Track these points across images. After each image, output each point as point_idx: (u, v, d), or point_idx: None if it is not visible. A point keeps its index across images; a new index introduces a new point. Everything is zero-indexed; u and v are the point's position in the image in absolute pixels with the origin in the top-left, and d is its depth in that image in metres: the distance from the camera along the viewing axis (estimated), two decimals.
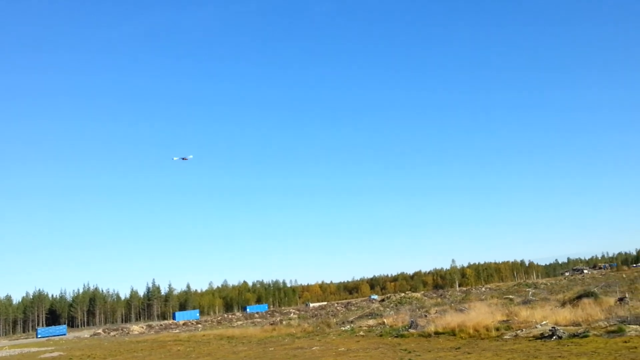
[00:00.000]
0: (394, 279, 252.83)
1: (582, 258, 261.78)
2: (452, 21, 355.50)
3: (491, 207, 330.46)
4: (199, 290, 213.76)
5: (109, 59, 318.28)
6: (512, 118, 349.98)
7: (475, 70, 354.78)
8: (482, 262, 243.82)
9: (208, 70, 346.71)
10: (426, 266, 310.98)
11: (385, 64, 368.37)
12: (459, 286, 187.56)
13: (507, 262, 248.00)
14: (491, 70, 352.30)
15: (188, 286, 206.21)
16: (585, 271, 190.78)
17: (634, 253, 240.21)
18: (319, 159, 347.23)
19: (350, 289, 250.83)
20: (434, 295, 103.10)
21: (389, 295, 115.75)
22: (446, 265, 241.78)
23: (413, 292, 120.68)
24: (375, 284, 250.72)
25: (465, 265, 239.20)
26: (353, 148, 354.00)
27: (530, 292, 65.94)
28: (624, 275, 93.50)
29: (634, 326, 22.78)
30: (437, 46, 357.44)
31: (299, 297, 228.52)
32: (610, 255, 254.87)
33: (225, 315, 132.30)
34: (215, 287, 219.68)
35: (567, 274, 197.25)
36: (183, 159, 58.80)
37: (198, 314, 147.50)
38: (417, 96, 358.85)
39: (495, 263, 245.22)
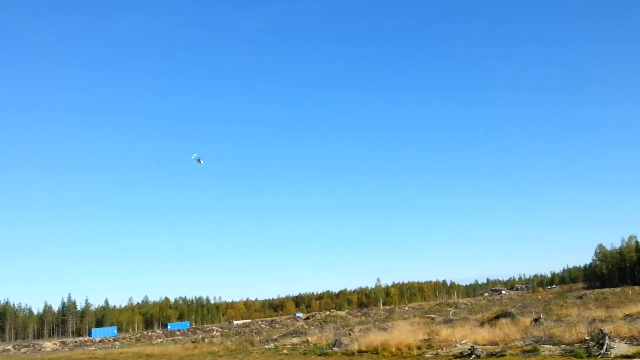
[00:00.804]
0: (320, 297, 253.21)
1: (501, 279, 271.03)
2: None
3: (415, 227, 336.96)
4: (117, 306, 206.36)
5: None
6: (435, 135, 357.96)
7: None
8: (406, 282, 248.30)
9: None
10: (351, 285, 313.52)
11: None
12: (383, 305, 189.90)
13: (430, 281, 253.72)
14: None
15: (106, 302, 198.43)
16: (503, 292, 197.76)
17: (549, 275, 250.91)
18: (242, 175, 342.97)
19: (276, 306, 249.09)
20: (359, 313, 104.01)
21: (314, 313, 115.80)
22: (371, 284, 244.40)
23: (338, 310, 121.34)
24: (301, 301, 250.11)
25: (390, 284, 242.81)
26: (277, 164, 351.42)
27: (451, 312, 67.58)
28: (539, 297, 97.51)
29: (548, 346, 23.70)
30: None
31: (223, 315, 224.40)
32: (527, 277, 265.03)
33: (145, 333, 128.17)
34: (135, 303, 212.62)
35: (486, 294, 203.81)
36: (199, 160, 57.69)
37: (116, 331, 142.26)
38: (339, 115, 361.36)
39: (418, 283, 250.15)
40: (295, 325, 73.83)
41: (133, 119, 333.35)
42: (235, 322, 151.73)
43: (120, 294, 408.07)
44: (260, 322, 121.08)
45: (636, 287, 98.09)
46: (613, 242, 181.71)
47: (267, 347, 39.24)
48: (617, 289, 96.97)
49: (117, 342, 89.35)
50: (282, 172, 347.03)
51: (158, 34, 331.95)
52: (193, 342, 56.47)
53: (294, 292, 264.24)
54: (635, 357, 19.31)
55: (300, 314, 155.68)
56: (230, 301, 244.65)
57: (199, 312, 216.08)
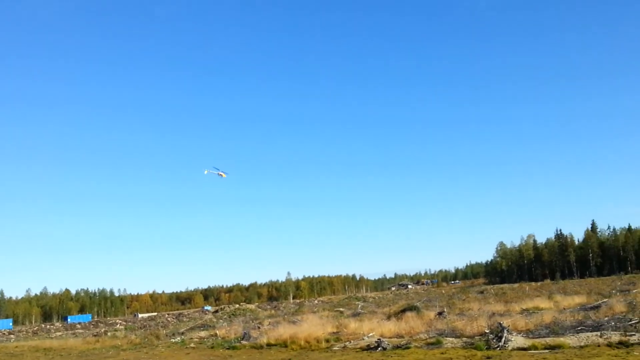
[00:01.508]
0: (229, 290, 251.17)
1: (408, 274, 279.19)
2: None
3: (326, 221, 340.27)
4: (14, 298, 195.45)
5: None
6: (344, 133, 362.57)
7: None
8: (316, 276, 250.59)
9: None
10: (262, 278, 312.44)
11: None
12: (293, 298, 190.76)
13: (340, 276, 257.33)
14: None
15: (1, 292, 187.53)
16: (410, 286, 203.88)
17: (453, 271, 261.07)
18: (148, 165, 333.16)
19: (183, 299, 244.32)
20: (269, 307, 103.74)
21: (223, 306, 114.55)
22: (282, 278, 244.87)
23: (248, 303, 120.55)
24: (210, 295, 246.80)
25: (300, 278, 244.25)
26: (185, 155, 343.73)
27: (359, 305, 68.77)
28: (443, 291, 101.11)
29: (450, 339, 24.50)
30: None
31: (128, 308, 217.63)
32: (433, 272, 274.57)
33: (43, 326, 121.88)
34: (33, 294, 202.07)
35: (393, 288, 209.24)
36: (219, 174, 54.85)
37: (11, 324, 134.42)
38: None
39: (328, 277, 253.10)
40: (203, 318, 72.55)
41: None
42: (140, 316, 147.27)
43: (16, 285, 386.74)
44: (166, 316, 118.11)
45: (532, 283, 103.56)
46: (513, 240, 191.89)
47: (173, 340, 38.28)
48: (516, 285, 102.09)
49: (12, 336, 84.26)
50: (192, 163, 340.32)
51: (151, 28, 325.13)
52: (95, 335, 54.13)
53: (203, 285, 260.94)
54: (530, 349, 20.30)
55: (208, 307, 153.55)
56: (135, 294, 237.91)
57: (102, 305, 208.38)
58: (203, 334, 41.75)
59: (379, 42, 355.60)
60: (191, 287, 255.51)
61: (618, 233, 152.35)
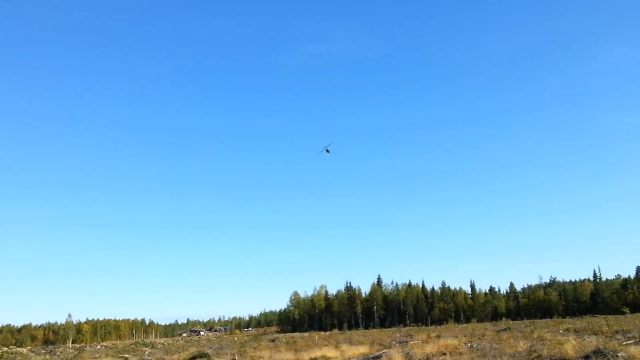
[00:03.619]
0: None
1: (201, 320, 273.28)
2: None
3: (113, 260, 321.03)
4: None
5: None
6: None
7: None
8: (101, 319, 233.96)
9: None
10: (38, 319, 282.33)
11: None
12: (73, 343, 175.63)
13: (128, 319, 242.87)
14: None
15: None
16: (202, 333, 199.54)
17: (247, 318, 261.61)
18: None
19: None
20: (43, 351, 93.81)
21: None
22: (61, 320, 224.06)
23: (19, 347, 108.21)
24: None
25: (83, 320, 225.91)
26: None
27: (146, 352, 65.24)
28: (235, 339, 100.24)
29: None
30: None
31: None
32: (227, 319, 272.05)
33: None
34: None
35: (184, 334, 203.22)
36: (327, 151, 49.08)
37: None
38: None
39: (115, 320, 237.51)
40: None
41: None
42: None
43: None
44: None
45: (322, 333, 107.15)
46: (307, 290, 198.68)
47: None
48: (306, 334, 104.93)
49: None
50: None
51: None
52: None
53: None
54: None
55: None
56: None
57: None
58: None
59: None
60: None
61: (400, 288, 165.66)
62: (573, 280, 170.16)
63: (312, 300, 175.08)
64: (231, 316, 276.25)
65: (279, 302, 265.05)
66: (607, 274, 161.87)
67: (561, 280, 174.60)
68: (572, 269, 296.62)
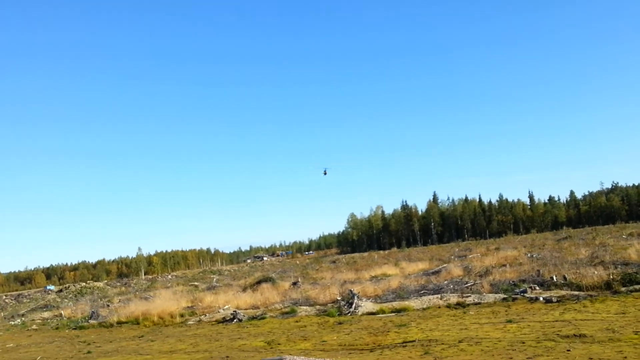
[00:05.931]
0: (74, 268, 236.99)
1: (263, 246, 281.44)
2: None
3: (177, 194, 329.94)
4: None
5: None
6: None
7: None
8: (169, 250, 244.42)
9: None
10: (110, 254, 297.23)
11: None
12: (145, 274, 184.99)
13: (194, 250, 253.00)
14: None
15: None
16: (265, 258, 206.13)
17: (307, 242, 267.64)
18: None
19: (23, 279, 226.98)
20: (118, 284, 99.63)
21: (67, 285, 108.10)
22: (132, 254, 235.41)
23: (95, 281, 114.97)
24: (53, 273, 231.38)
25: (152, 253, 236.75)
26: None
27: (215, 279, 68.45)
28: (297, 262, 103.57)
29: (305, 307, 25.14)
30: None
31: None
32: (287, 244, 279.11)
33: None
34: None
35: (249, 261, 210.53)
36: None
37: None
38: None
39: (182, 251, 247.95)
40: (45, 298, 68.01)
41: None
42: None
43: None
44: (4, 297, 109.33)
45: (381, 252, 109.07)
46: (363, 211, 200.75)
47: (12, 323, 35.55)
48: (365, 254, 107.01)
49: None
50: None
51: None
52: None
53: (45, 264, 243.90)
54: (378, 313, 21.42)
55: (52, 287, 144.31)
56: None
57: None
58: (46, 314, 39.22)
59: None
60: (31, 266, 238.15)
61: (456, 203, 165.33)
62: (636, 184, 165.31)
63: (369, 221, 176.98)
64: (292, 241, 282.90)
65: (337, 225, 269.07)
66: None
67: (624, 185, 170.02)
68: (636, 173, 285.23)
